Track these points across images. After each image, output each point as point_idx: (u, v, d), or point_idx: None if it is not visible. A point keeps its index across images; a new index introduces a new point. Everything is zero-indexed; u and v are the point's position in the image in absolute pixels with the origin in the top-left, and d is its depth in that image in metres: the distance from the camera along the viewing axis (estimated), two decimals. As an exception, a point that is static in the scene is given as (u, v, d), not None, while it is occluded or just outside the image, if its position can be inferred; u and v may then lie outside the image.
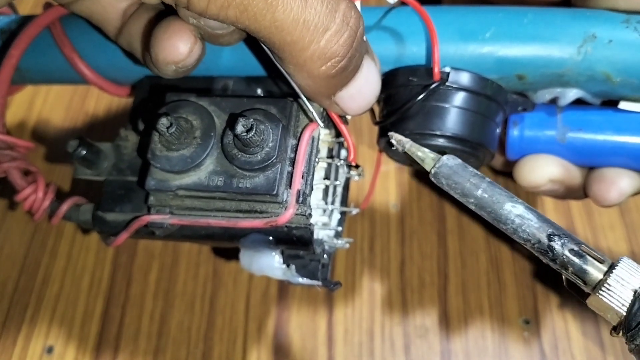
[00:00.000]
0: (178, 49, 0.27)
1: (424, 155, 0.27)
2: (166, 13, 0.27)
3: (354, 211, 0.36)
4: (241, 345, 0.47)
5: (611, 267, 0.24)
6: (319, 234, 0.34)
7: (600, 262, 0.24)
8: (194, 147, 0.30)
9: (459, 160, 0.27)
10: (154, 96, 0.36)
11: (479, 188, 0.25)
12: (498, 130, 0.35)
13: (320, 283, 0.34)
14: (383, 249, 0.50)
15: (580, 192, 0.37)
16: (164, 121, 0.29)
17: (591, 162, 0.36)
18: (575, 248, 0.24)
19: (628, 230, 0.50)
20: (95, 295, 0.50)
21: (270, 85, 0.35)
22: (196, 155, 0.30)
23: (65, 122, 0.59)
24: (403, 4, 0.33)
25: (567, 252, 0.24)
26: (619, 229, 0.51)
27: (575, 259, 0.24)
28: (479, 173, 0.26)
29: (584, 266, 0.24)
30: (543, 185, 0.36)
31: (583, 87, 0.34)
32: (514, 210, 0.25)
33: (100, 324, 0.49)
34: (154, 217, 0.32)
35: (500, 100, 0.34)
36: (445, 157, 0.27)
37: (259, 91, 0.35)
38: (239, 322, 0.48)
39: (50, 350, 0.48)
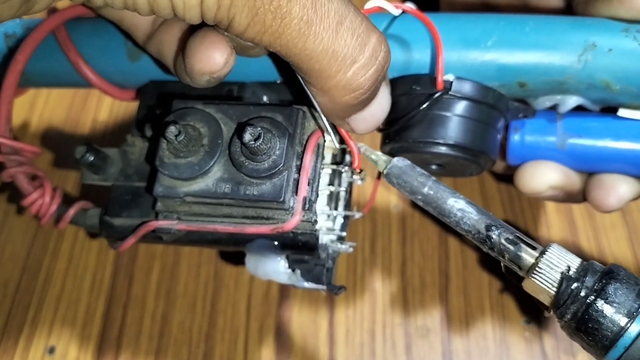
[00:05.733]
0: (215, 59, 0.27)
1: (377, 158, 0.30)
2: (199, 23, 0.27)
3: (357, 215, 0.37)
4: (242, 346, 0.48)
5: (542, 253, 0.26)
6: (324, 239, 0.34)
7: (533, 249, 0.26)
8: (201, 154, 0.31)
9: (408, 162, 0.29)
10: (161, 103, 0.36)
11: (425, 186, 0.28)
12: (499, 137, 0.36)
13: (325, 287, 0.34)
14: (384, 249, 0.51)
15: (579, 197, 0.38)
16: (172, 129, 0.29)
17: (590, 168, 0.37)
18: (510, 237, 0.27)
19: (629, 230, 0.51)
20: (96, 296, 0.50)
21: (274, 90, 0.36)
22: (204, 163, 0.30)
23: (67, 124, 0.59)
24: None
25: (503, 241, 0.27)
26: (620, 229, 0.51)
27: (510, 247, 0.26)
28: (425, 173, 0.29)
29: (518, 252, 0.26)
30: (544, 191, 0.36)
31: (583, 94, 0.34)
32: (456, 205, 0.28)
33: (102, 325, 0.49)
34: (162, 223, 0.32)
35: (502, 107, 0.34)
36: (395, 159, 0.29)
37: (265, 97, 0.35)
38: (241, 322, 0.49)
39: (52, 350, 0.48)
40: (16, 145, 0.35)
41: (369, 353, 0.47)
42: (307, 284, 0.34)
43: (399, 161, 0.29)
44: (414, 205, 0.52)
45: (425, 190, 0.28)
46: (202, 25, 0.27)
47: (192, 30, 0.29)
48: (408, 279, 0.50)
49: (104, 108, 0.60)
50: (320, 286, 0.34)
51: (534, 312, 0.47)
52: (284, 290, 0.50)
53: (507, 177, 0.40)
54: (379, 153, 0.30)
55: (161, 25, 0.32)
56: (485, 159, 0.35)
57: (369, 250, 0.51)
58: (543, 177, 0.36)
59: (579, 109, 0.35)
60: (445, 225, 0.30)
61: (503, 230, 0.27)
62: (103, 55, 0.37)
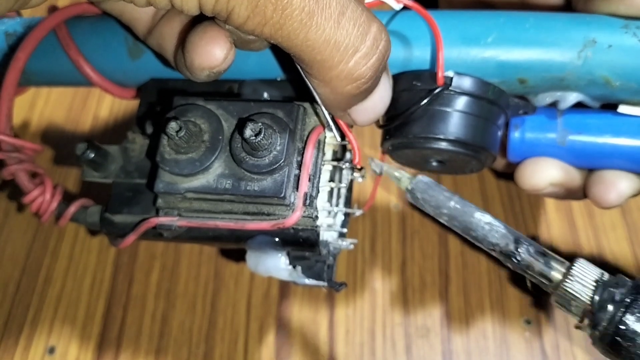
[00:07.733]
0: (214, 55, 0.27)
1: (401, 175, 0.31)
2: (199, 16, 0.27)
3: (357, 212, 0.37)
4: (242, 346, 0.48)
5: (570, 267, 0.27)
6: (324, 235, 0.34)
7: (560, 263, 0.28)
8: (202, 150, 0.31)
9: (431, 179, 0.30)
10: (162, 99, 0.36)
11: (451, 200, 0.29)
12: (500, 134, 0.36)
13: (325, 284, 0.34)
14: (384, 249, 0.51)
15: (580, 193, 0.38)
16: (173, 125, 0.29)
17: (591, 164, 0.37)
18: (539, 251, 0.28)
19: (629, 230, 0.51)
20: (96, 296, 0.50)
21: (275, 87, 0.36)
22: (205, 159, 0.30)
23: (67, 123, 0.59)
24: (407, 8, 0.33)
25: (532, 255, 0.28)
26: (621, 228, 0.51)
27: (540, 260, 0.28)
28: (448, 190, 0.30)
29: (547, 267, 0.27)
30: (544, 188, 0.36)
31: (583, 90, 0.34)
32: (483, 219, 0.28)
33: (102, 325, 0.49)
34: (163, 219, 0.32)
35: (502, 104, 0.34)
36: (420, 176, 0.30)
37: (265, 94, 0.35)
38: (241, 322, 0.49)
39: (52, 350, 0.48)
40: (17, 142, 0.35)
41: (369, 353, 0.47)
42: (307, 281, 0.34)
43: (424, 177, 0.30)
44: (414, 205, 0.52)
45: (452, 204, 0.29)
46: (202, 18, 0.27)
47: (193, 24, 0.29)
48: (408, 278, 0.49)
49: (104, 106, 0.60)
50: (321, 283, 0.34)
51: (534, 312, 0.47)
52: (284, 290, 0.50)
53: (508, 174, 0.41)
54: (402, 171, 0.31)
55: (161, 18, 0.32)
56: (486, 154, 0.35)
57: (369, 249, 0.51)
58: (543, 173, 0.36)
59: (579, 106, 0.35)
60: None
61: (531, 244, 0.28)
62: (104, 54, 0.37)
